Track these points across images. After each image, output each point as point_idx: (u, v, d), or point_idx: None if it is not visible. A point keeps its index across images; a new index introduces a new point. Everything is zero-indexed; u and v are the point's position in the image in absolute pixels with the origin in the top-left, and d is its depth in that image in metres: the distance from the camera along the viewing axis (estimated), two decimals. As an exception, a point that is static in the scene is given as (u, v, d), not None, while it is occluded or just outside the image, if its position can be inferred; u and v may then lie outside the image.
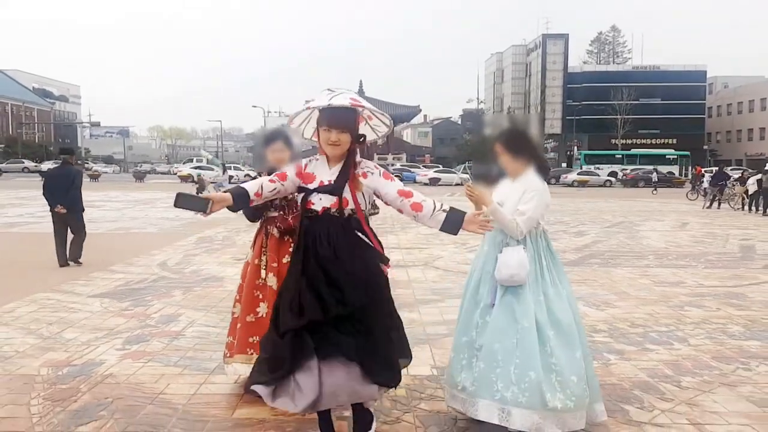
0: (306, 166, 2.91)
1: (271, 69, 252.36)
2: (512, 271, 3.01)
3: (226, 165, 30.18)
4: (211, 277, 7.48)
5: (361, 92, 65.55)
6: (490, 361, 2.99)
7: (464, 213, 2.79)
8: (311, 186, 2.83)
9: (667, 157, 52.68)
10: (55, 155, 59.26)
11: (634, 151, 56.81)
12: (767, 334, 5.15)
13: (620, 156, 53.91)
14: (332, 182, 2.80)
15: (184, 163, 60.77)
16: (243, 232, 12.00)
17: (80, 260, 8.33)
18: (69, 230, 8.35)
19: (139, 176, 43.57)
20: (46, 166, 52.15)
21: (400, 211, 2.89)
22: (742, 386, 3.92)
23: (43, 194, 8.42)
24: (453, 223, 2.78)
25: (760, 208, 19.77)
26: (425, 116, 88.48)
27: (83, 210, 8.57)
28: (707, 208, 21.79)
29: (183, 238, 11.26)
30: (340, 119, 2.78)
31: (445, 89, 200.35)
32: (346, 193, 2.79)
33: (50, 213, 8.33)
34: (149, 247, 9.95)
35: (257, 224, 3.82)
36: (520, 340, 2.96)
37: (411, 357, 3.04)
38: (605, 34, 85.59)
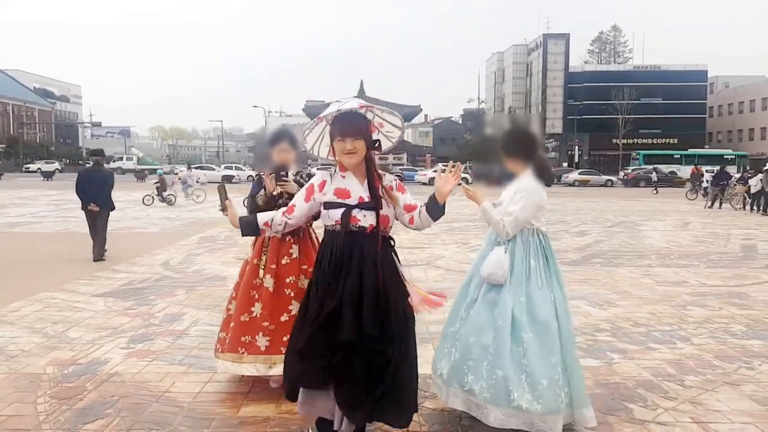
0: (324, 184, 2.84)
1: (271, 69, 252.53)
2: (490, 270, 3.11)
3: (192, 165, 30.13)
4: (214, 276, 7.50)
5: (361, 92, 65.53)
6: (464, 353, 3.10)
7: (432, 194, 2.85)
8: (351, 201, 2.76)
9: (725, 156, 52.11)
10: (56, 156, 59.19)
11: (691, 151, 55.95)
12: (770, 334, 5.17)
13: (678, 156, 53.35)
14: (370, 198, 2.76)
15: (114, 161, 57.66)
16: (245, 231, 12.01)
17: (104, 257, 8.70)
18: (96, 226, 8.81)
19: (141, 176, 43.53)
20: (36, 166, 52.17)
21: (402, 223, 2.93)
22: (744, 385, 3.94)
23: (77, 193, 8.88)
24: (432, 207, 2.83)
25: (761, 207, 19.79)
26: (426, 116, 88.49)
27: (113, 209, 9.14)
28: (709, 207, 21.78)
29: (185, 238, 11.29)
30: (352, 126, 2.75)
31: (445, 89, 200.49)
32: (385, 210, 2.78)
33: (83, 211, 8.87)
34: (152, 247, 9.97)
35: None
36: (495, 338, 3.04)
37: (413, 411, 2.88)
38: (606, 33, 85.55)
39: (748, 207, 20.89)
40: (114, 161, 57.59)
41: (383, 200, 2.79)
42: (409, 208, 2.88)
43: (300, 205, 2.87)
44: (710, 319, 5.63)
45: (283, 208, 2.93)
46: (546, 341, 3.03)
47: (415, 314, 2.91)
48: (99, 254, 8.65)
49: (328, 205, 2.79)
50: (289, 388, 2.88)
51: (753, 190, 20.49)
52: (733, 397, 3.72)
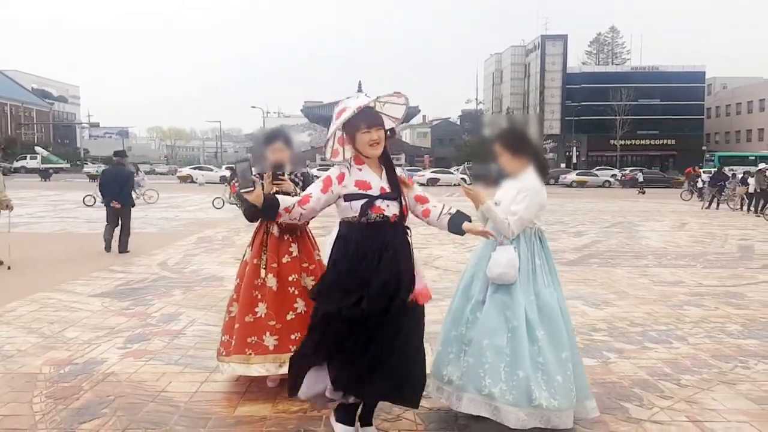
0: (343, 176, 2.85)
1: (271, 69, 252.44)
2: (502, 270, 3.07)
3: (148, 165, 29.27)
4: (211, 276, 7.49)
5: (360, 93, 65.63)
6: (479, 357, 3.04)
7: (468, 217, 2.96)
8: (372, 192, 2.81)
9: None
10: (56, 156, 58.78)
11: (766, 152, 55.63)
12: (765, 333, 5.18)
13: (753, 158, 52.69)
14: (391, 189, 2.84)
15: (17, 160, 54.10)
16: (242, 231, 12.02)
17: (128, 249, 9.47)
18: (119, 222, 9.59)
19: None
20: (20, 164, 51.34)
21: (414, 214, 3.00)
22: (740, 384, 3.95)
23: (100, 191, 9.77)
24: (456, 224, 2.95)
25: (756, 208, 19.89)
26: (424, 117, 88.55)
27: (134, 205, 9.93)
28: (706, 208, 21.82)
29: (183, 238, 11.28)
30: (375, 117, 2.84)
31: (444, 90, 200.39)
32: (402, 200, 2.88)
33: (104, 206, 9.69)
34: (149, 247, 9.97)
35: (256, 223, 3.83)
36: (510, 339, 3.02)
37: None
38: (604, 34, 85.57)
39: (746, 207, 20.93)
40: (17, 160, 54.59)
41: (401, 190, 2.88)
42: (421, 200, 2.99)
43: (317, 196, 2.84)
44: (706, 319, 5.64)
45: (297, 198, 2.90)
46: (557, 338, 3.05)
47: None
48: (123, 247, 9.43)
49: (350, 197, 2.81)
50: (293, 378, 2.90)
51: (750, 191, 20.54)
52: (728, 396, 3.73)
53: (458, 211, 2.99)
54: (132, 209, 9.81)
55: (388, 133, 2.92)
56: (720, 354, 4.58)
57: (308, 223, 3.75)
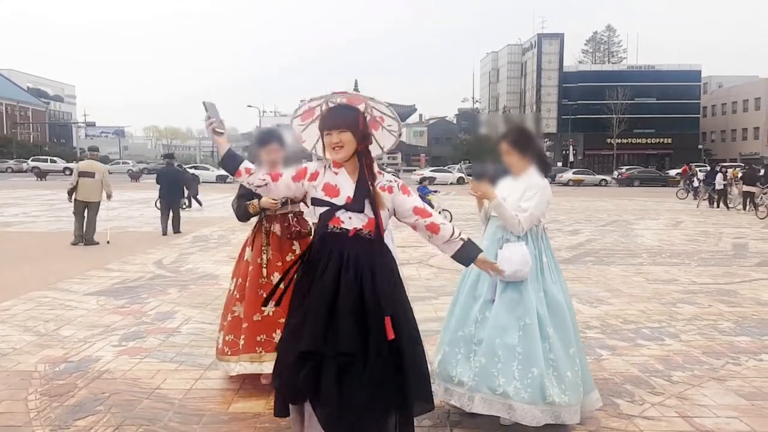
0: (317, 175, 2.62)
1: (266, 69, 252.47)
2: (516, 267, 3.03)
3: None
4: (207, 275, 7.50)
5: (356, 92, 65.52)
6: (491, 356, 3.02)
7: (480, 250, 2.77)
8: (337, 201, 2.56)
9: None
10: (51, 155, 58.52)
11: None
12: (757, 330, 5.22)
13: None
14: (355, 200, 2.56)
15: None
16: (238, 231, 12.02)
17: (180, 230, 11.92)
18: (171, 211, 11.92)
19: (134, 176, 43.49)
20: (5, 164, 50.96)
21: (414, 228, 2.72)
22: (731, 380, 3.98)
23: (157, 183, 12.35)
24: (467, 255, 2.72)
25: (726, 204, 21.16)
26: (420, 115, 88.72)
27: (183, 196, 12.72)
28: (710, 207, 21.87)
29: (179, 237, 11.29)
30: (336, 118, 2.57)
31: (440, 89, 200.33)
32: (368, 212, 2.57)
33: (159, 198, 12.22)
34: (145, 246, 9.97)
35: (253, 223, 3.85)
36: (522, 337, 3.01)
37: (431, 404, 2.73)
38: (600, 33, 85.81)
39: (741, 206, 21.01)
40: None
41: (371, 201, 2.57)
42: (422, 213, 2.67)
43: (286, 181, 2.64)
44: (699, 316, 5.67)
45: (265, 169, 2.67)
46: (564, 334, 3.08)
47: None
48: (176, 229, 11.85)
49: (315, 202, 2.60)
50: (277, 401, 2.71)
51: (717, 187, 21.42)
52: (719, 392, 3.76)
53: (470, 239, 2.75)
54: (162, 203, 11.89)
55: (364, 139, 2.61)
56: (711, 351, 4.62)
57: (308, 222, 3.75)
